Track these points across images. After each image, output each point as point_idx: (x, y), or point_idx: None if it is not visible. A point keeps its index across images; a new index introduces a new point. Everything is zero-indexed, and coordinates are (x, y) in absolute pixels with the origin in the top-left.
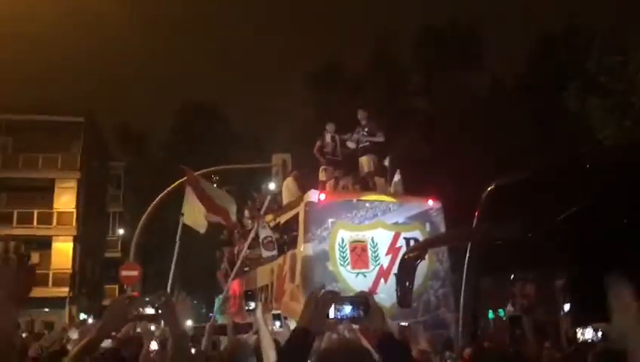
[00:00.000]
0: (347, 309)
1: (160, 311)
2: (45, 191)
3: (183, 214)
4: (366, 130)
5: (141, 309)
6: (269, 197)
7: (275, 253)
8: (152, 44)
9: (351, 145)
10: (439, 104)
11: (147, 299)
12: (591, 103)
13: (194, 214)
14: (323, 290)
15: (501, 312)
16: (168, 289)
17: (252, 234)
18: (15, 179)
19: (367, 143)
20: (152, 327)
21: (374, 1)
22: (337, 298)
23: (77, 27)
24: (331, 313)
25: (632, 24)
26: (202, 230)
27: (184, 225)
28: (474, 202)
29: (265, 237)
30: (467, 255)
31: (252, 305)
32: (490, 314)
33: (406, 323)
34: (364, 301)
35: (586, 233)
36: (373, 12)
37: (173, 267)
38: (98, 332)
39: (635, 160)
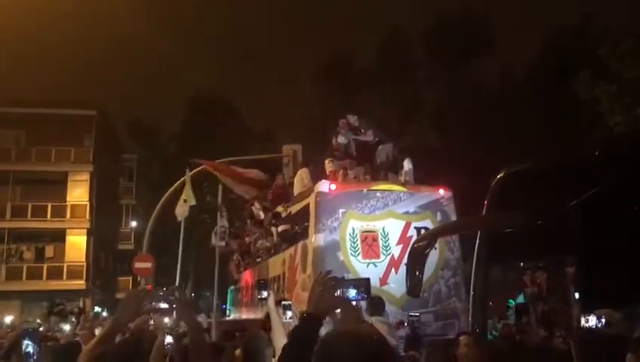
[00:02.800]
0: (351, 292)
1: (174, 306)
2: (58, 184)
3: (185, 201)
4: (362, 130)
5: (154, 303)
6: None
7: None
8: (164, 38)
9: (341, 139)
10: (449, 94)
11: (160, 293)
12: (601, 90)
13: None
14: (328, 276)
15: (510, 302)
16: (177, 282)
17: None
18: (29, 172)
19: (377, 139)
20: (166, 319)
21: None
22: (340, 282)
23: (90, 21)
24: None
25: None
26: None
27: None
28: (485, 190)
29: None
30: (477, 243)
31: (264, 293)
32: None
33: (417, 313)
34: (365, 284)
35: (597, 220)
36: (383, 4)
37: (180, 259)
38: (113, 324)
39: None
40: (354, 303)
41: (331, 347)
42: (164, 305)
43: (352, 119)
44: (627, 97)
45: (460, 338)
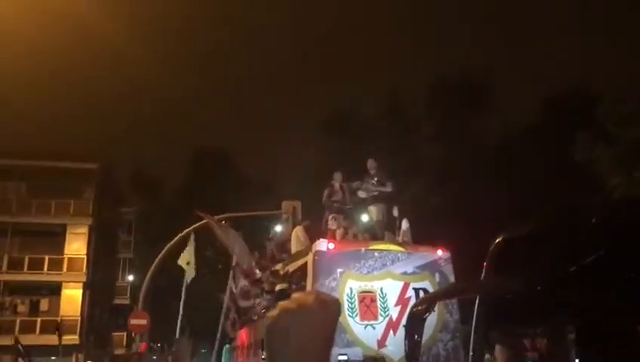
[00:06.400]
0: None
1: None
2: (57, 237)
3: (188, 263)
4: (375, 179)
5: None
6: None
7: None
8: (166, 92)
9: (361, 194)
10: (451, 152)
11: (154, 357)
12: (600, 151)
13: (190, 260)
14: None
15: None
16: (177, 336)
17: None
18: (28, 224)
19: (377, 192)
20: None
21: (387, 49)
22: None
23: (92, 75)
24: None
25: None
26: (190, 277)
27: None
28: (484, 249)
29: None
30: (475, 308)
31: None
32: None
33: None
34: None
35: (596, 286)
36: (385, 60)
37: (180, 315)
38: None
39: None
40: None
41: None
42: None
43: (371, 164)
44: (626, 159)
45: None
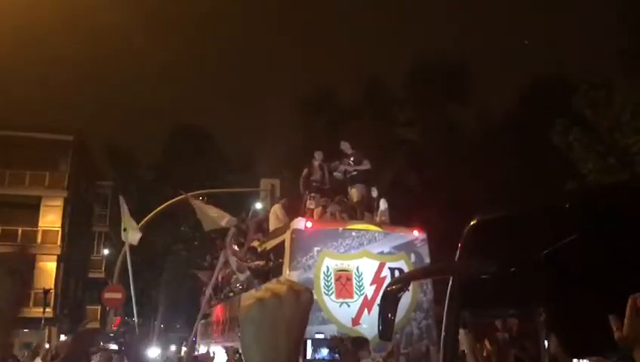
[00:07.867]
0: (324, 351)
1: (123, 348)
2: (31, 209)
3: (125, 230)
4: (352, 159)
5: (104, 344)
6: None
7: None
8: (145, 66)
9: (338, 175)
10: (428, 135)
11: (111, 334)
12: (574, 137)
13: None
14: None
15: None
16: (135, 318)
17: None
18: (2, 196)
19: (355, 172)
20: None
21: (368, 33)
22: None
23: (70, 47)
24: (309, 354)
25: (618, 67)
26: (135, 242)
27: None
28: (459, 231)
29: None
30: (449, 289)
31: None
32: None
33: None
34: (339, 344)
35: (568, 270)
36: (366, 43)
37: (133, 293)
38: None
39: (617, 199)
40: None
41: None
42: (114, 346)
43: (345, 145)
44: (600, 145)
45: None
